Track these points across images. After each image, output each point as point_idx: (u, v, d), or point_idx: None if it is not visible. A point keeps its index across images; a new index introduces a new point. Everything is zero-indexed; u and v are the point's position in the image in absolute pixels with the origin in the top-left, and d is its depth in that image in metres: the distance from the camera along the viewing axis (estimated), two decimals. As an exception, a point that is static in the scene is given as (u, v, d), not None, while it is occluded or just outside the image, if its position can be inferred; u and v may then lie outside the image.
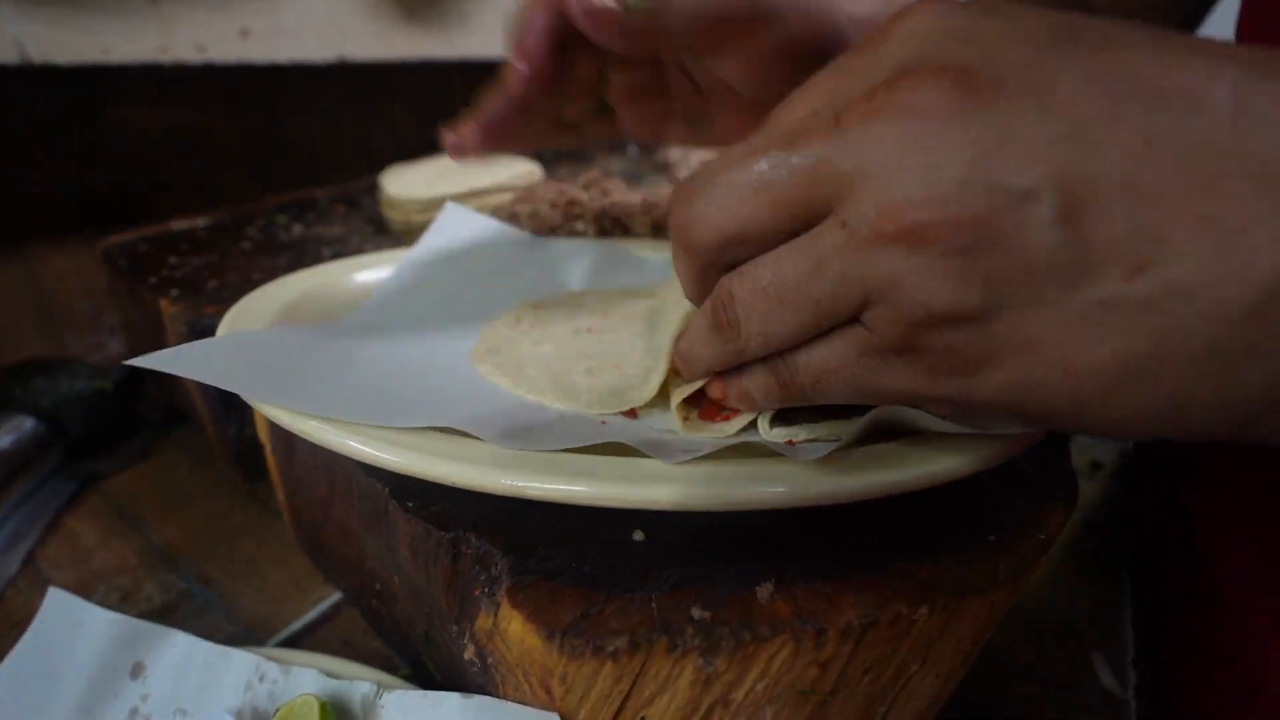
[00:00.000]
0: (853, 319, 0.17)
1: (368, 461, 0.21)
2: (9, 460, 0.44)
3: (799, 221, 0.17)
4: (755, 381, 0.21)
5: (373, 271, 0.38)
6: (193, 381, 0.43)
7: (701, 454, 0.21)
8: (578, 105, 0.33)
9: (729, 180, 0.17)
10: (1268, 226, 0.12)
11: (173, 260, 0.48)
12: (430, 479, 0.21)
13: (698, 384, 0.24)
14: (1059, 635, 0.37)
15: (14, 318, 0.63)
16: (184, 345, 0.25)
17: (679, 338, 0.24)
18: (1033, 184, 0.13)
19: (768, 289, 0.17)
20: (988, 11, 0.15)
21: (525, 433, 0.23)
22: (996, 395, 0.15)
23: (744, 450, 0.22)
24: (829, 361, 0.18)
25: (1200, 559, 0.33)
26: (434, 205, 0.55)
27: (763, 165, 0.17)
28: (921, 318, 0.15)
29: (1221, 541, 0.32)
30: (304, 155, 0.78)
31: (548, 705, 0.20)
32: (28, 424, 0.46)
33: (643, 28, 0.27)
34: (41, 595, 0.38)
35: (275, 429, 0.33)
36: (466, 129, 0.30)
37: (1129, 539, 0.44)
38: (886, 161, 0.15)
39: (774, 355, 0.19)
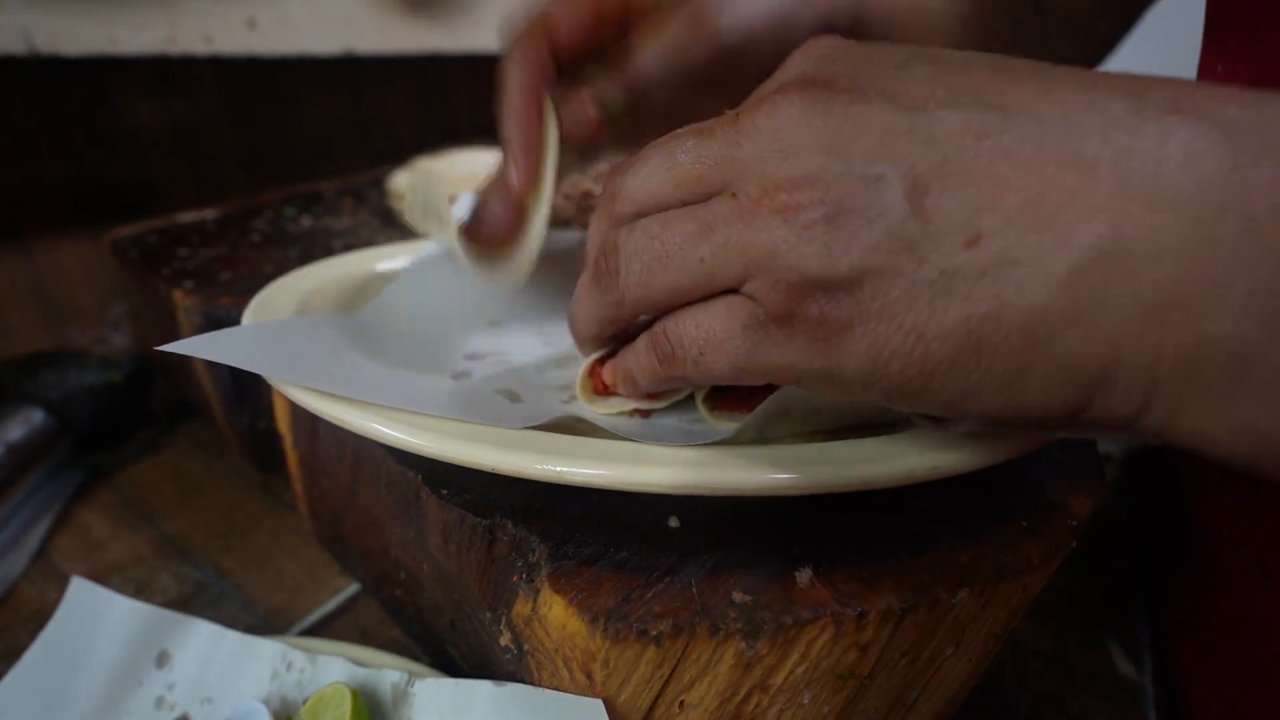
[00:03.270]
0: (732, 291, 0.19)
1: (406, 449, 0.21)
2: (19, 452, 0.44)
3: (700, 199, 0.19)
4: (638, 360, 0.22)
5: (392, 261, 0.38)
6: (205, 373, 0.43)
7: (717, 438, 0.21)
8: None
9: (650, 160, 0.20)
10: (1077, 203, 0.14)
11: (183, 252, 0.48)
12: (469, 465, 0.21)
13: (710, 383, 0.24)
14: (1076, 622, 0.37)
15: (16, 311, 0.63)
16: (213, 332, 0.25)
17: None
18: (880, 169, 0.16)
19: (654, 242, 0.19)
20: (860, 44, 0.19)
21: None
22: (861, 364, 0.17)
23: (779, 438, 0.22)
24: (714, 332, 0.19)
25: (1203, 546, 0.34)
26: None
27: (678, 150, 0.19)
28: (797, 282, 0.17)
29: (1222, 527, 0.32)
30: (305, 148, 0.78)
31: (587, 690, 0.20)
32: (37, 416, 0.46)
33: (626, 126, 0.30)
34: (56, 587, 0.38)
35: (297, 420, 0.33)
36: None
37: (1139, 527, 0.44)
38: (767, 148, 0.17)
39: (658, 332, 0.21)
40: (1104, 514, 0.46)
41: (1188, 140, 0.14)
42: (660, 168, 0.20)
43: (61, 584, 0.38)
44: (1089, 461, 0.26)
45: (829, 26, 0.31)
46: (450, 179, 0.55)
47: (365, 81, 0.78)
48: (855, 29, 0.35)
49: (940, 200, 0.15)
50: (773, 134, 0.17)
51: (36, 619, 0.36)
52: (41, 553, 0.41)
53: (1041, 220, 0.15)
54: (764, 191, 0.17)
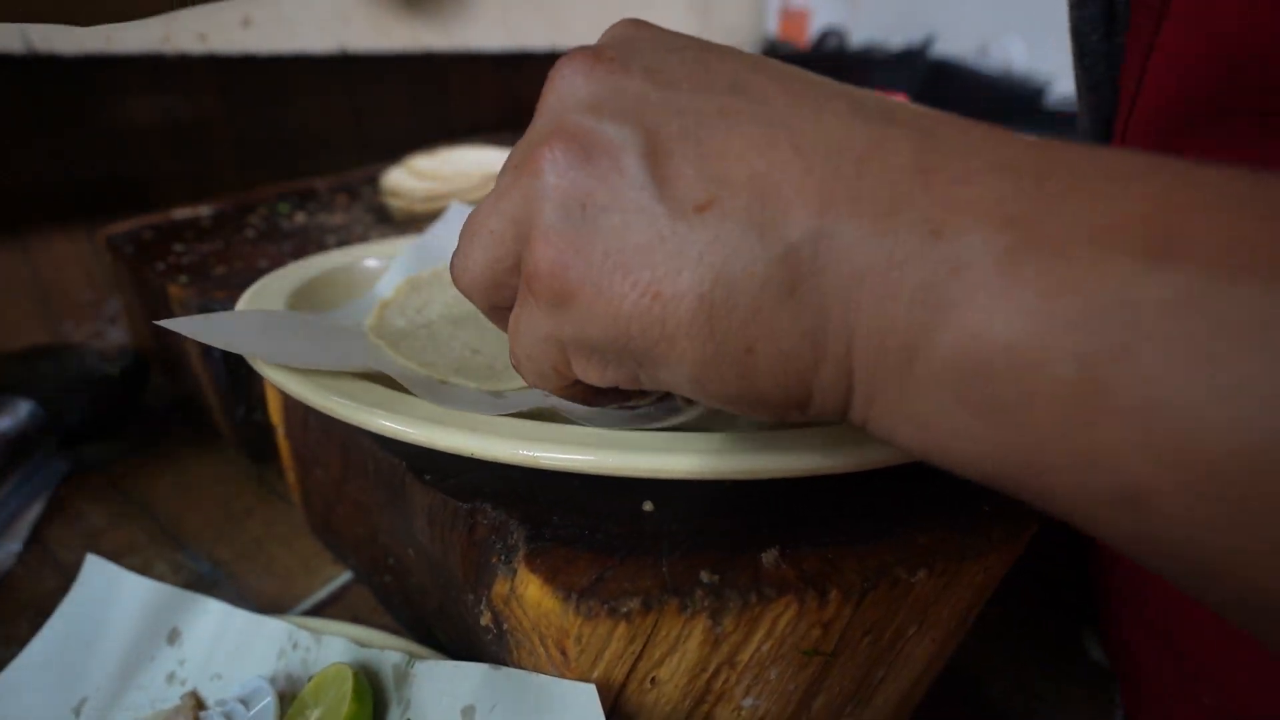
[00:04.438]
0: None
1: (391, 435, 0.22)
2: (8, 443, 0.44)
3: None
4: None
5: (381, 259, 0.39)
6: (200, 366, 0.44)
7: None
8: None
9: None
10: (796, 184, 0.15)
11: (178, 248, 0.48)
12: (451, 451, 0.21)
13: None
14: (1049, 608, 0.38)
15: (13, 305, 0.63)
16: (204, 315, 0.26)
17: None
18: (627, 131, 0.16)
19: (468, 223, 0.20)
20: (651, 29, 0.19)
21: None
22: (605, 325, 0.17)
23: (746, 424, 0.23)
24: (514, 322, 0.19)
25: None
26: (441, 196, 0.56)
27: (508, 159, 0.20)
28: (538, 235, 0.17)
29: None
30: (299, 145, 0.79)
31: (563, 666, 0.21)
32: (23, 408, 0.46)
33: None
34: (53, 575, 0.39)
35: (289, 411, 0.33)
36: None
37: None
38: (545, 119, 0.18)
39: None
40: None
41: (888, 140, 0.15)
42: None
43: (59, 572, 0.39)
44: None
45: None
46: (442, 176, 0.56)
47: (359, 79, 0.79)
48: None
49: (678, 166, 0.16)
50: (548, 97, 0.18)
51: (34, 606, 0.37)
52: (38, 542, 0.41)
53: (767, 194, 0.15)
54: (526, 148, 0.18)
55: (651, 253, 0.16)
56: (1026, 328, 0.13)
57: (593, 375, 0.18)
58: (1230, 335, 0.11)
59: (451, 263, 0.21)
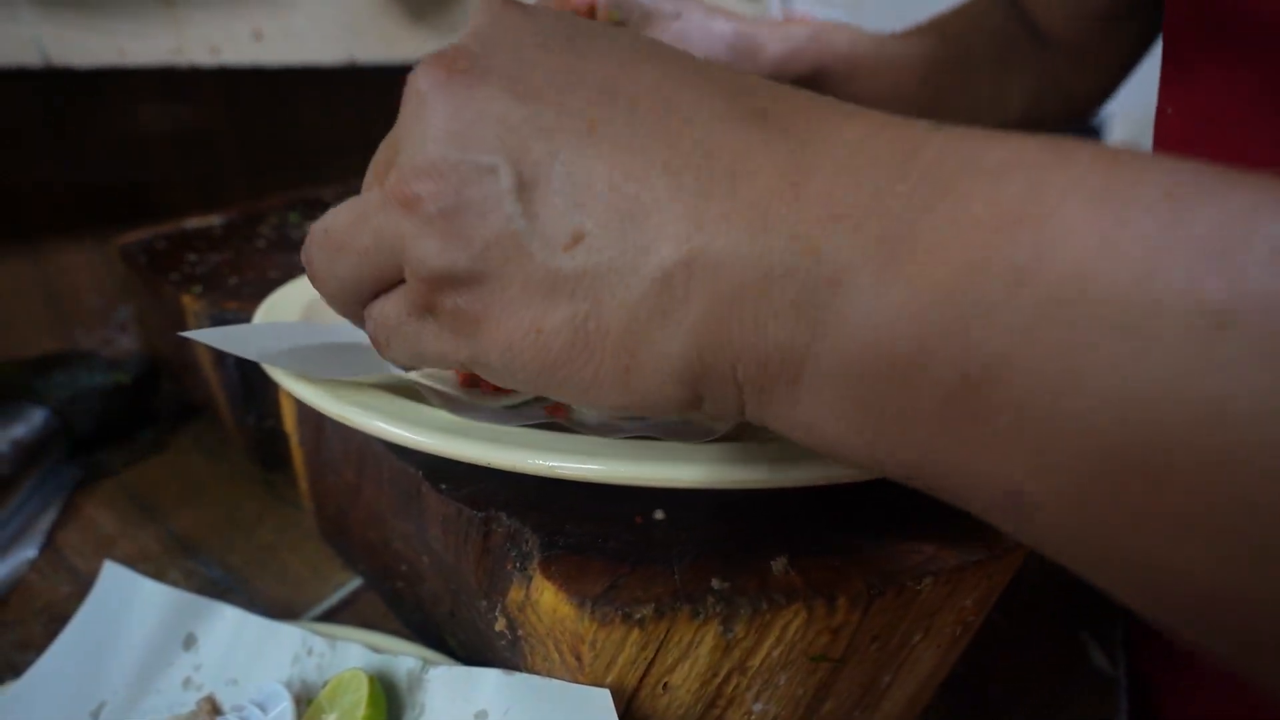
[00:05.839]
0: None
1: (408, 445, 0.22)
2: (24, 449, 0.45)
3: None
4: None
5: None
6: (213, 374, 0.44)
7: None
8: None
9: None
10: (667, 209, 0.15)
11: (191, 258, 0.49)
12: (466, 460, 0.22)
13: None
14: (1053, 616, 0.39)
15: (25, 312, 0.64)
16: (229, 326, 0.27)
17: None
18: (493, 160, 0.16)
19: (329, 234, 0.19)
20: (519, 13, 0.18)
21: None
22: (498, 356, 0.17)
23: (757, 433, 0.23)
24: (390, 318, 0.19)
25: None
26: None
27: (377, 152, 0.19)
28: (426, 275, 0.17)
29: None
30: (308, 154, 0.79)
31: (577, 672, 0.22)
32: (37, 415, 0.47)
33: None
34: (67, 581, 0.39)
35: (304, 419, 0.34)
36: None
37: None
38: (407, 131, 0.17)
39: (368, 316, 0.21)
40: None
41: (757, 147, 0.15)
42: (368, 173, 0.20)
43: (73, 578, 0.39)
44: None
45: (781, 76, 0.31)
46: None
47: (367, 89, 0.79)
48: (815, 79, 0.36)
49: (546, 197, 0.15)
50: (409, 116, 0.17)
51: (48, 611, 0.37)
52: (52, 548, 0.42)
53: (636, 220, 0.15)
54: (396, 180, 0.16)
55: (531, 292, 0.16)
56: (906, 335, 0.13)
57: (501, 384, 0.19)
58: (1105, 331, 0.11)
59: (310, 265, 0.20)
